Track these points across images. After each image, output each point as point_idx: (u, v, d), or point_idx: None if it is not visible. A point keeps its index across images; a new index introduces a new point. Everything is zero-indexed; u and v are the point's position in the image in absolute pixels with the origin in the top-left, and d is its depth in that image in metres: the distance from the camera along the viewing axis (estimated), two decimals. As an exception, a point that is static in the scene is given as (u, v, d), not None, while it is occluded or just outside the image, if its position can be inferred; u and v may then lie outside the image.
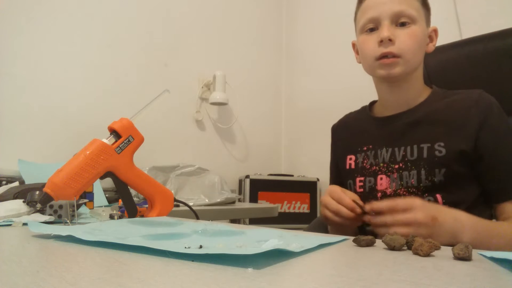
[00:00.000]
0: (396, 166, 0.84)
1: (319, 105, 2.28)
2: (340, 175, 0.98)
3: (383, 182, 0.85)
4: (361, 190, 0.88)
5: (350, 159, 0.93)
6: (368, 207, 0.69)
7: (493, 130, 0.78)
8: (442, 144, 0.79)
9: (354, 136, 0.96)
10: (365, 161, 0.89)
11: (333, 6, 2.26)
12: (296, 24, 2.50)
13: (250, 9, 2.38)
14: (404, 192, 0.82)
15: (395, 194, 0.83)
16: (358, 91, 1.95)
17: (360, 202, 0.73)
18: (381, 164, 0.86)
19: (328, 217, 0.76)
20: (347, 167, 0.93)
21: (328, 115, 2.17)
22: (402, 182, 0.82)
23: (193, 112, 2.08)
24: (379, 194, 0.86)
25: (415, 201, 0.65)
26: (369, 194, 0.87)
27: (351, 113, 1.03)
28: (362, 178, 0.88)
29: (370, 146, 0.90)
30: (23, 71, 1.55)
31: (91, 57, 1.73)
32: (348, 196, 0.74)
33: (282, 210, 2.05)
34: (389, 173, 0.85)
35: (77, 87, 1.69)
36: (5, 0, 1.51)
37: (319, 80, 2.31)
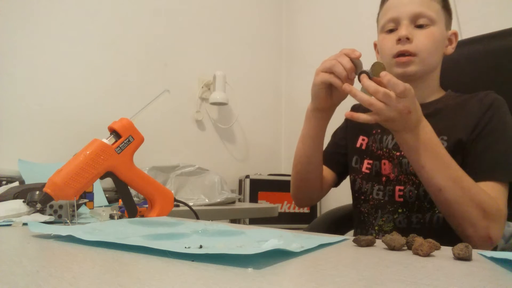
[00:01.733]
0: (397, 154, 0.87)
1: (319, 105, 2.27)
2: (337, 148, 1.02)
3: (386, 167, 0.89)
4: (368, 171, 0.92)
5: (363, 139, 0.96)
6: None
7: (488, 118, 0.80)
8: (445, 137, 0.82)
9: None
10: (374, 145, 0.93)
11: (333, 6, 2.26)
12: (296, 24, 2.50)
13: (250, 9, 2.38)
14: (404, 178, 0.85)
15: (397, 179, 0.86)
16: (358, 91, 1.96)
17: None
18: (384, 149, 0.90)
19: (320, 74, 0.77)
20: (358, 145, 0.96)
21: (328, 115, 2.18)
22: (401, 169, 0.86)
23: (193, 112, 2.08)
24: (383, 178, 0.89)
25: (411, 92, 0.68)
26: (375, 177, 0.91)
27: None
28: (370, 161, 0.92)
29: (379, 131, 0.93)
30: (23, 71, 1.55)
31: (91, 57, 1.73)
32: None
33: (282, 210, 2.05)
34: (390, 159, 0.88)
35: (77, 87, 1.69)
36: (5, 0, 1.51)
37: (319, 80, 2.31)
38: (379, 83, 0.68)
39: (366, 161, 0.93)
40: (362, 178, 0.93)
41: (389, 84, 0.67)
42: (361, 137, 0.96)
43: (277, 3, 2.54)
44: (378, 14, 0.94)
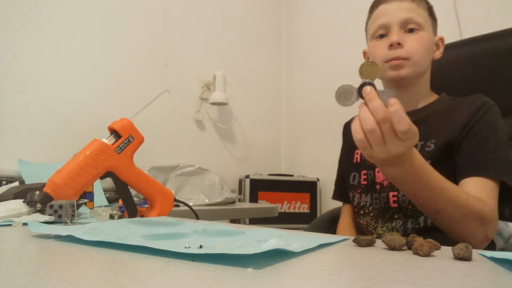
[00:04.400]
0: None
1: (319, 105, 2.28)
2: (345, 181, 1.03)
3: (380, 175, 0.89)
4: (365, 182, 0.93)
5: (357, 153, 0.98)
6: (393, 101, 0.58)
7: (478, 118, 0.81)
8: (433, 140, 0.83)
9: None
10: None
11: (333, 6, 2.26)
12: (296, 24, 2.50)
13: (250, 9, 2.38)
14: None
15: (391, 186, 0.87)
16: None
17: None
18: None
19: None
20: (354, 161, 0.97)
21: (328, 115, 2.19)
22: None
23: (193, 112, 2.08)
24: (377, 186, 0.89)
25: (416, 140, 0.61)
26: (370, 186, 0.91)
27: None
28: (365, 171, 0.93)
29: None
30: (23, 71, 1.55)
31: (91, 57, 1.73)
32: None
33: (282, 210, 2.05)
34: None
35: (77, 87, 1.69)
36: (5, 0, 1.51)
37: (319, 80, 2.31)
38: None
39: (362, 172, 0.94)
40: (360, 193, 0.94)
41: (395, 115, 0.57)
42: (356, 151, 0.98)
43: (277, 3, 2.54)
44: (367, 23, 0.95)
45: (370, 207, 0.91)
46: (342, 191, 1.05)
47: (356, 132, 0.61)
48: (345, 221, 1.03)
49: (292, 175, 2.16)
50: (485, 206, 0.72)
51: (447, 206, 0.70)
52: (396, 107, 0.57)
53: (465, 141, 0.80)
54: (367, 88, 0.58)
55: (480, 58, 1.01)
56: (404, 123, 0.57)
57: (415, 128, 0.59)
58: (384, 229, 0.87)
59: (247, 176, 2.05)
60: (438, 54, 0.91)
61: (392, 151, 0.60)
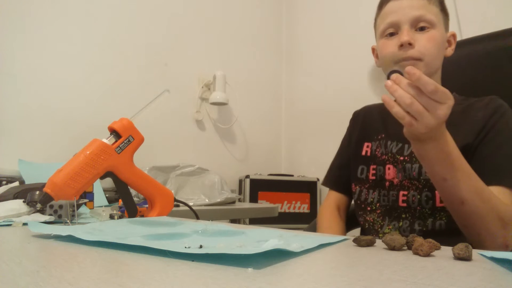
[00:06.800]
0: (401, 158, 0.87)
1: (319, 105, 2.28)
2: (343, 169, 1.01)
3: (390, 172, 0.88)
4: (373, 177, 0.92)
5: (367, 146, 0.96)
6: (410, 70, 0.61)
7: (493, 123, 0.79)
8: None
9: (373, 123, 0.98)
10: (378, 150, 0.93)
11: (333, 6, 2.26)
12: (296, 24, 2.50)
13: (250, 9, 2.38)
14: (408, 183, 0.85)
15: (401, 185, 0.86)
16: (358, 91, 1.96)
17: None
18: (389, 154, 0.90)
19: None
20: (363, 153, 0.96)
21: (328, 115, 2.19)
22: (405, 174, 0.85)
23: (193, 112, 2.08)
24: (387, 183, 0.88)
25: (451, 99, 0.62)
26: (379, 182, 0.90)
27: (375, 104, 1.05)
28: (374, 166, 0.92)
29: (383, 135, 0.93)
30: (23, 71, 1.55)
31: (91, 57, 1.73)
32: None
33: (282, 210, 2.05)
34: (395, 164, 0.88)
35: (77, 87, 1.69)
36: (4, 0, 1.51)
37: (319, 80, 2.31)
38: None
39: (371, 167, 0.92)
40: (368, 188, 0.92)
41: (419, 82, 0.60)
42: (365, 144, 0.96)
43: (277, 3, 2.54)
44: (376, 19, 0.92)
45: (378, 204, 0.89)
46: (337, 179, 1.02)
47: (398, 113, 0.63)
48: (332, 207, 1.00)
49: (292, 175, 2.16)
50: (506, 207, 0.71)
51: (472, 196, 0.68)
52: (416, 75, 0.59)
53: (481, 146, 0.78)
54: (394, 75, 0.64)
55: (480, 58, 1.01)
56: (430, 85, 0.59)
57: (441, 88, 0.61)
58: (390, 227, 0.86)
59: (247, 176, 2.05)
60: (450, 51, 0.88)
61: (440, 115, 0.61)
